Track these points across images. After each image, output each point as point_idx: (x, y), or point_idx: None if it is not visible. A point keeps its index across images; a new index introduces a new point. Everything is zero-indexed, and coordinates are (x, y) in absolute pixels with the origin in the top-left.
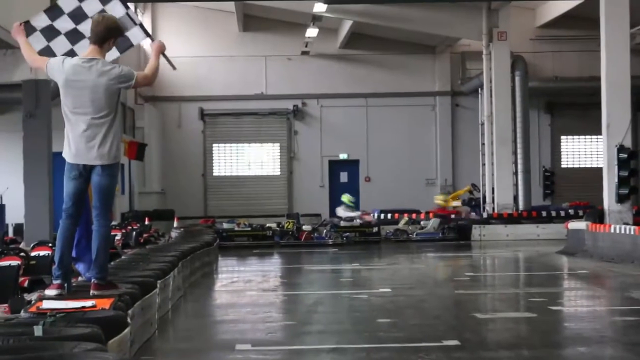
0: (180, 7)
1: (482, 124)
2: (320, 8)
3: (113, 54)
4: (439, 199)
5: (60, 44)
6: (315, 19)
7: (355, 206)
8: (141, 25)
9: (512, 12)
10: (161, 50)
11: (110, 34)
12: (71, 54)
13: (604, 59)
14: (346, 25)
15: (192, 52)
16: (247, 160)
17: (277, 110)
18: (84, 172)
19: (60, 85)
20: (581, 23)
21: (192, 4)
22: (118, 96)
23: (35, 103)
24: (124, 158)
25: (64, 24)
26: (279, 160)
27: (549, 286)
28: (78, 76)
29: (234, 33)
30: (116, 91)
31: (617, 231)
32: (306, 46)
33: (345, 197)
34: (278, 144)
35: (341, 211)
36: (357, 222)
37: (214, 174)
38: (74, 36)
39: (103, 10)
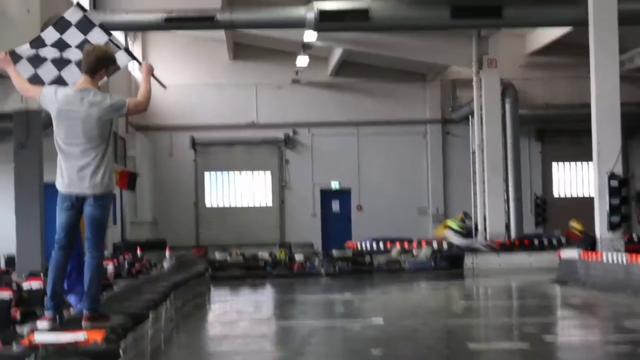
0: (171, 36)
1: (474, 152)
2: (310, 36)
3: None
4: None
5: (48, 71)
6: (306, 47)
7: (467, 230)
8: (126, 49)
9: (502, 39)
10: (150, 72)
11: (100, 64)
12: (59, 80)
13: (594, 86)
14: (336, 53)
15: (183, 81)
16: (239, 189)
17: (269, 139)
18: (76, 202)
19: (52, 115)
20: (571, 50)
21: (182, 32)
22: (110, 126)
23: (27, 133)
24: (115, 188)
25: (49, 53)
26: (271, 189)
27: (542, 315)
28: (70, 106)
29: (225, 61)
30: (108, 121)
31: (609, 259)
32: (297, 74)
33: (453, 222)
34: (269, 173)
35: (452, 237)
36: (481, 247)
37: (206, 203)
38: (60, 63)
39: (86, 41)
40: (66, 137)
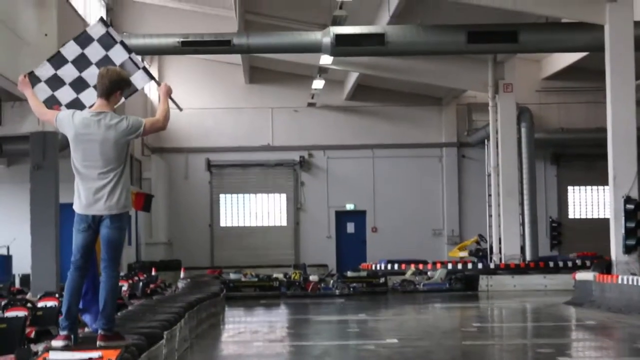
0: (187, 60)
1: (489, 175)
2: (326, 60)
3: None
4: (454, 254)
5: (65, 93)
6: (322, 71)
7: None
8: (145, 69)
9: (517, 64)
10: (169, 93)
11: (114, 86)
12: (77, 102)
13: (610, 112)
14: (352, 77)
15: (199, 104)
16: (254, 210)
17: (284, 162)
18: (93, 224)
19: (70, 139)
20: (587, 74)
21: (199, 56)
22: (127, 148)
23: (43, 155)
24: (131, 209)
25: (68, 71)
26: (286, 210)
27: (557, 337)
28: (87, 129)
29: (241, 85)
30: (125, 143)
31: (625, 282)
32: (312, 98)
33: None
34: (285, 195)
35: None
36: None
37: (221, 225)
38: (79, 85)
39: (107, 57)
40: (83, 160)
